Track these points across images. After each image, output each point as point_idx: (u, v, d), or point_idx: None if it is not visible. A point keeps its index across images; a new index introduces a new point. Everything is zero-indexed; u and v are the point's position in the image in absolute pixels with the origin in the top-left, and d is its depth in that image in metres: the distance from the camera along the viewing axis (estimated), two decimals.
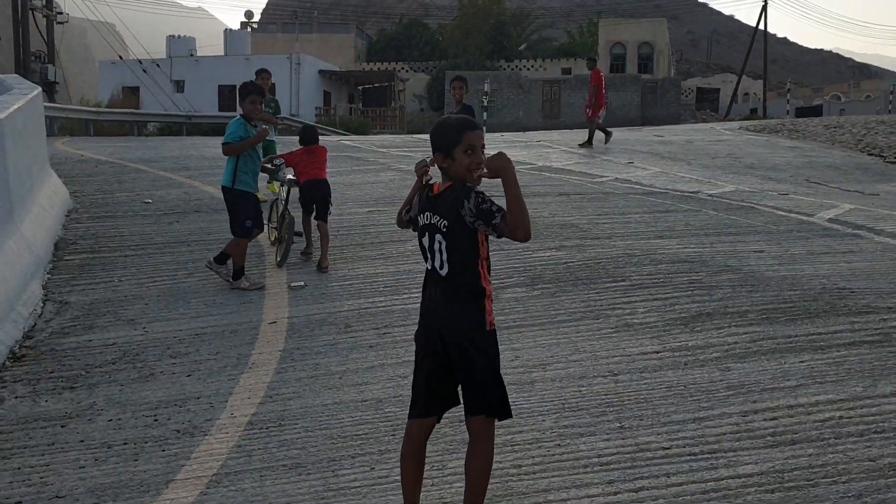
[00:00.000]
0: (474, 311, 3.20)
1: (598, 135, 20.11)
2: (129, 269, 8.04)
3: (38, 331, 6.43)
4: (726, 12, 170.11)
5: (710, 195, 12.02)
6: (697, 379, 4.77)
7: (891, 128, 24.49)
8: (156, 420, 4.73)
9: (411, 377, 5.10)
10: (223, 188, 7.41)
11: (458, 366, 3.22)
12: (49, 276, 7.81)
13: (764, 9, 58.89)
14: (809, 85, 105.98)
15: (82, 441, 4.51)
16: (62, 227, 9.47)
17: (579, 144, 19.94)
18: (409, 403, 3.37)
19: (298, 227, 8.51)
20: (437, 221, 3.22)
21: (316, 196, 8.45)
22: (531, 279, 7.14)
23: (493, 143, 21.66)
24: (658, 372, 4.92)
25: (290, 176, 8.66)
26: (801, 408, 4.29)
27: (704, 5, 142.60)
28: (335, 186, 12.73)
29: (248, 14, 72.48)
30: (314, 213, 8.49)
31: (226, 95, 50.66)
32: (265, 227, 8.35)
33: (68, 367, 5.69)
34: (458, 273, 3.20)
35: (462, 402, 3.29)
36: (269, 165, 8.23)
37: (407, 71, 63.78)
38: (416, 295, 6.93)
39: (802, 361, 4.95)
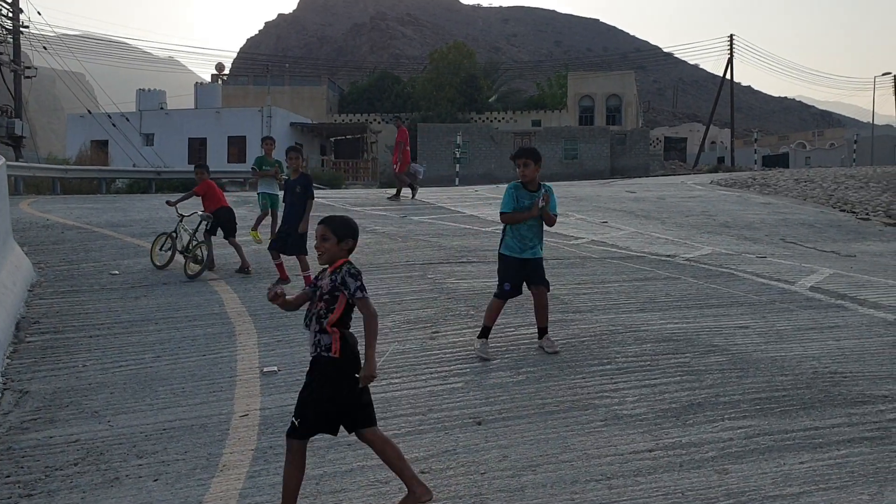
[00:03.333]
0: None
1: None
2: (93, 351, 7.70)
3: None
4: (691, 62, 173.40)
5: (687, 259, 11.93)
6: (695, 484, 4.54)
7: (860, 182, 24.78)
8: None
9: (393, 482, 4.90)
10: None
11: None
12: (9, 360, 7.45)
13: (730, 61, 60.03)
14: (775, 133, 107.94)
15: None
16: (25, 304, 9.12)
17: (387, 198, 21.15)
18: None
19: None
20: None
21: (226, 218, 11.57)
22: (515, 361, 6.91)
23: (467, 196, 21.55)
24: (653, 475, 4.68)
25: (200, 212, 11.61)
26: None
27: (670, 55, 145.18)
28: (308, 250, 12.55)
29: (219, 66, 72.59)
30: (224, 234, 11.57)
31: (195, 149, 50.44)
32: (155, 254, 11.57)
33: (27, 469, 5.34)
34: None
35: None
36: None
37: (379, 122, 64.03)
38: (396, 381, 6.71)
39: (802, 462, 4.73)
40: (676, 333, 7.63)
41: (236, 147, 49.47)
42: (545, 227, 7.21)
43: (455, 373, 6.69)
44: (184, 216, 11.71)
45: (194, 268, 10.91)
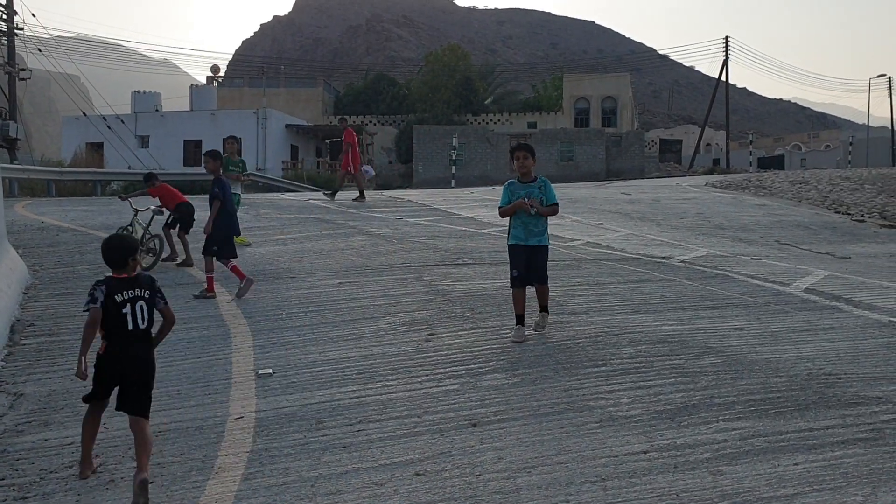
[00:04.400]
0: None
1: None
2: (89, 353, 7.66)
3: None
4: (686, 64, 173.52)
5: (682, 261, 11.95)
6: (689, 485, 4.55)
7: (855, 184, 24.83)
8: None
9: (389, 484, 4.91)
10: None
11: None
12: (3, 363, 7.44)
13: (725, 63, 60.18)
14: (771, 135, 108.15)
15: None
16: (19, 307, 9.10)
17: (353, 199, 21.11)
18: None
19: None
20: (141, 293, 5.27)
21: (187, 214, 12.20)
22: (510, 363, 6.92)
23: (463, 197, 21.56)
24: (647, 476, 4.69)
25: (154, 206, 12.45)
26: None
27: (665, 57, 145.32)
28: (304, 252, 12.59)
29: (215, 68, 72.60)
30: (180, 227, 12.11)
31: (191, 151, 50.43)
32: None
33: (22, 472, 5.33)
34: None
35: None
36: None
37: (375, 124, 64.05)
38: (392, 383, 6.72)
39: (797, 464, 4.75)
40: (671, 335, 7.64)
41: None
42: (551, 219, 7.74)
43: (450, 375, 6.70)
44: (138, 210, 12.36)
45: (148, 259, 11.66)
